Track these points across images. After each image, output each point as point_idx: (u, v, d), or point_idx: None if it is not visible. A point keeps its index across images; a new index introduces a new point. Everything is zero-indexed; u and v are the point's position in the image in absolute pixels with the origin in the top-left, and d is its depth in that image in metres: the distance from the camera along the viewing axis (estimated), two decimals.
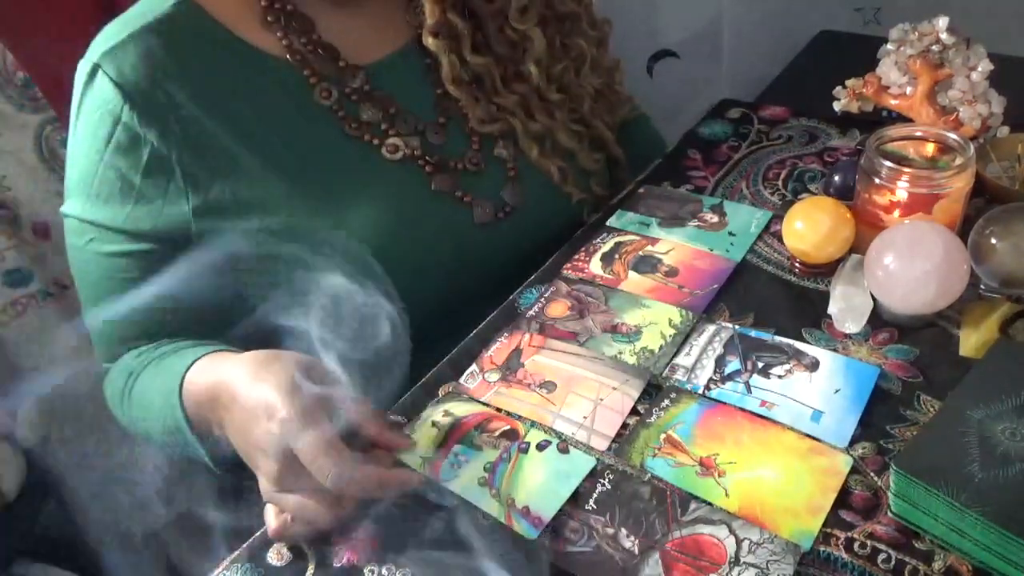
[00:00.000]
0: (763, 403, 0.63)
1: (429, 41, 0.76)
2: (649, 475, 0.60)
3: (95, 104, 0.70)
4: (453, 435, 0.65)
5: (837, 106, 0.84)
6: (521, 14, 0.79)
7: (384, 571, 0.57)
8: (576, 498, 0.59)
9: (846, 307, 0.69)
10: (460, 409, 0.67)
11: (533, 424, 0.65)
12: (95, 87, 0.70)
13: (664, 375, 0.67)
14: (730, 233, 0.81)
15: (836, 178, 0.81)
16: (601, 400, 0.66)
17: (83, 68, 0.71)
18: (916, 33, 0.78)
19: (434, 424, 0.66)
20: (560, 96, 0.84)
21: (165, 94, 0.69)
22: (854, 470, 0.58)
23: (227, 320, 0.78)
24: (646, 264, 0.79)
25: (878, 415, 0.62)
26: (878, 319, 0.69)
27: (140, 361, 0.74)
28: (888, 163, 0.69)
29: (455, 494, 0.60)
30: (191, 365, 0.66)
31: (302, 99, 0.74)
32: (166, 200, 0.71)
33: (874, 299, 0.68)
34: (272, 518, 0.58)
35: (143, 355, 0.74)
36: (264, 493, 0.59)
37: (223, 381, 0.61)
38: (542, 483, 0.60)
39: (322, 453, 0.55)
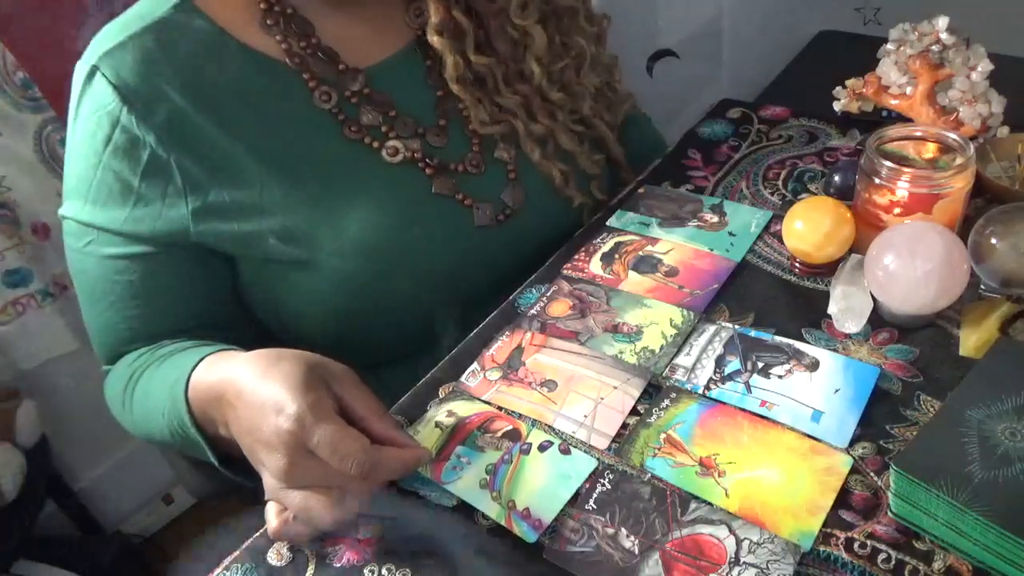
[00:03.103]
0: (763, 403, 0.64)
1: (434, 39, 0.76)
2: (649, 475, 0.60)
3: (93, 106, 0.70)
4: (456, 436, 0.65)
5: (837, 106, 0.84)
6: (522, 10, 0.78)
7: (384, 571, 0.57)
8: (576, 498, 0.59)
9: (846, 307, 0.69)
10: (463, 409, 0.67)
11: (535, 423, 0.65)
12: (93, 89, 0.70)
13: (664, 375, 0.67)
14: (730, 233, 0.81)
15: (836, 178, 0.81)
16: (602, 399, 0.66)
17: (81, 69, 0.71)
18: (916, 33, 0.78)
19: (437, 425, 0.66)
20: (561, 96, 0.84)
21: (164, 97, 0.69)
22: (854, 470, 0.58)
23: (226, 322, 0.78)
24: (646, 264, 0.79)
25: (878, 415, 0.62)
26: (878, 319, 0.69)
27: (141, 362, 0.74)
28: (888, 163, 0.69)
29: (456, 496, 0.60)
30: (197, 364, 0.66)
31: (301, 102, 0.74)
32: (165, 203, 0.71)
33: (874, 299, 0.68)
34: (273, 517, 0.58)
35: (143, 356, 0.74)
36: (268, 491, 0.59)
37: (229, 379, 0.61)
38: (543, 485, 0.60)
39: (343, 441, 0.56)
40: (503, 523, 0.58)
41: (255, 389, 0.58)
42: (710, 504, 0.57)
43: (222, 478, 0.69)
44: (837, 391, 0.63)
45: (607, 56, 0.91)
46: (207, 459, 0.68)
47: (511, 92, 0.81)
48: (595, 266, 0.79)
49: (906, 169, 0.69)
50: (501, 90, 0.81)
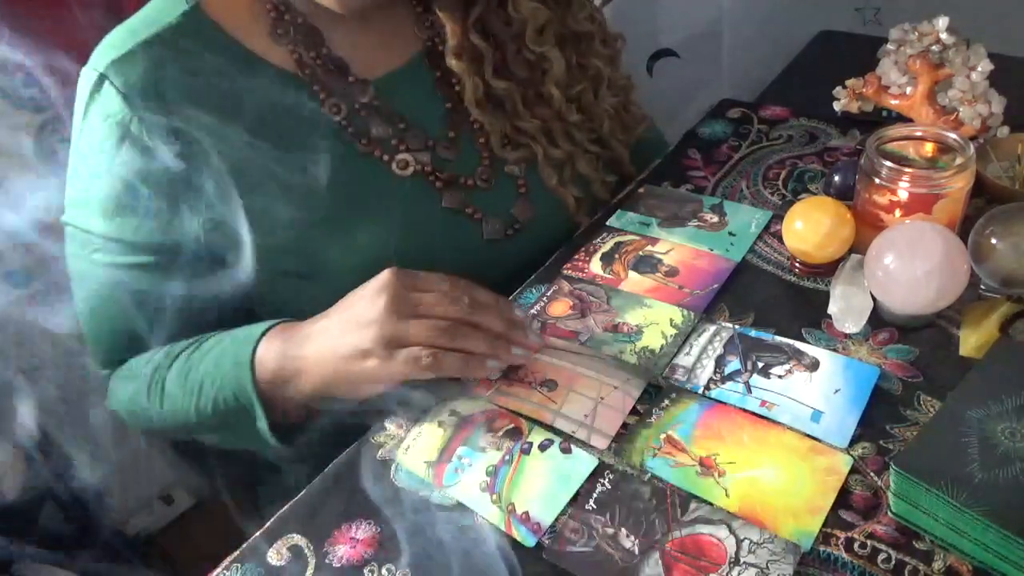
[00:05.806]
0: (763, 403, 0.64)
1: (452, 63, 0.76)
2: (649, 475, 0.60)
3: (102, 115, 0.69)
4: (458, 435, 0.65)
5: (837, 106, 0.84)
6: (538, 35, 0.78)
7: (384, 571, 0.57)
8: (576, 498, 0.59)
9: (846, 307, 0.69)
10: (465, 407, 0.67)
11: (536, 421, 0.65)
12: (101, 97, 0.68)
13: (664, 375, 0.67)
14: (730, 233, 0.81)
15: (836, 178, 0.81)
16: (602, 399, 0.66)
17: (88, 76, 0.69)
18: (916, 33, 0.78)
19: (440, 424, 0.66)
20: (580, 117, 0.84)
21: (173, 106, 0.68)
22: (854, 470, 0.58)
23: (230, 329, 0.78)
24: (646, 264, 0.79)
25: (878, 415, 0.62)
26: (878, 319, 0.69)
27: (166, 354, 0.73)
28: (888, 163, 0.69)
29: (456, 500, 0.60)
30: (263, 334, 0.69)
31: (311, 114, 0.73)
32: (173, 213, 0.70)
33: (874, 299, 0.68)
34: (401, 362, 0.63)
35: (163, 351, 0.74)
36: (379, 367, 0.63)
37: (308, 321, 0.67)
38: (543, 487, 0.60)
39: (444, 277, 0.65)
40: (503, 527, 0.58)
41: (341, 301, 0.66)
42: (710, 504, 0.57)
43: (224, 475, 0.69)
44: (837, 391, 0.63)
45: (622, 77, 0.91)
46: (252, 431, 0.68)
47: (531, 116, 0.81)
48: (595, 266, 0.79)
49: (906, 169, 0.69)
50: (520, 113, 0.81)
